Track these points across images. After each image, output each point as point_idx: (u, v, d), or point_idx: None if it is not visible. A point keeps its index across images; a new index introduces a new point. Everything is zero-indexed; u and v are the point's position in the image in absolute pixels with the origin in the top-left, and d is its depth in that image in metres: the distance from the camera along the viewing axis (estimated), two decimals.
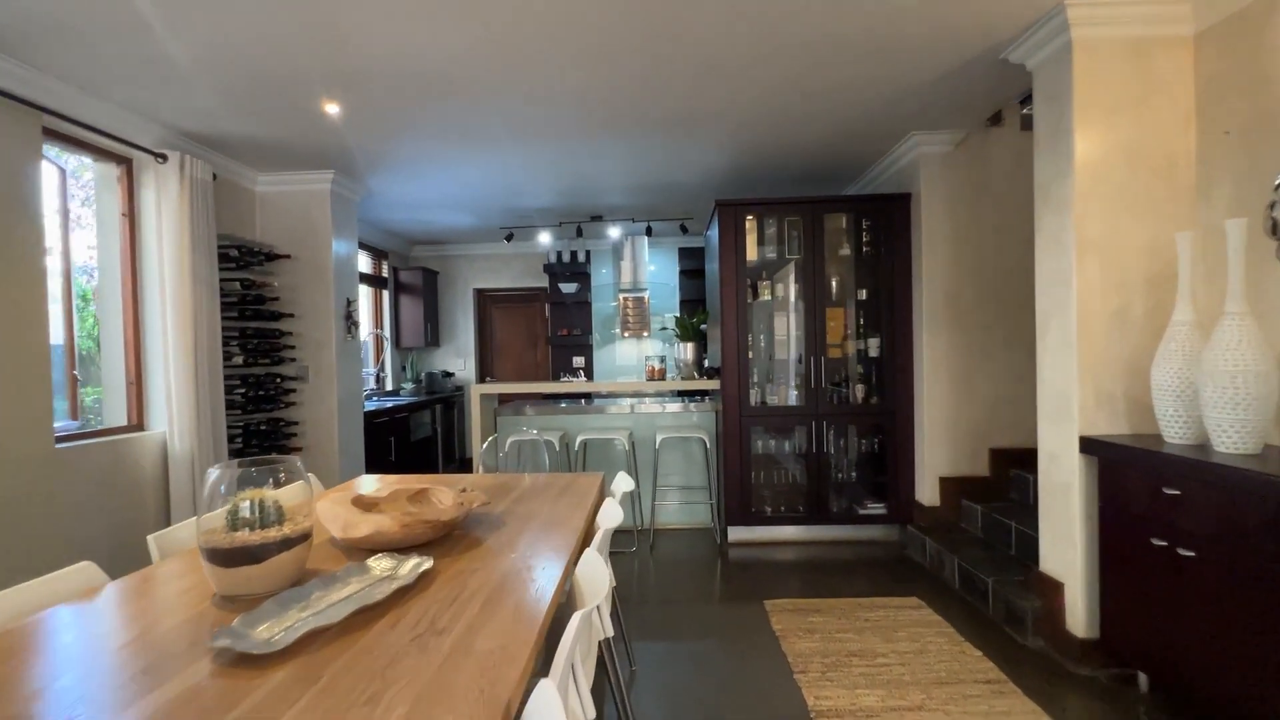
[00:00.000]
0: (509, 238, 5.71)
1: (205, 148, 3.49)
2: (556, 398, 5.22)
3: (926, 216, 3.70)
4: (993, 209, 3.68)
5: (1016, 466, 3.60)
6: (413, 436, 5.53)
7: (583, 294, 6.56)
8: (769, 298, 4.12)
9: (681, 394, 4.96)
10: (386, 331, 6.30)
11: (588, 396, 5.26)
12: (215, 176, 3.51)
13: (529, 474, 3.00)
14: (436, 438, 6.05)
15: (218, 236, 3.62)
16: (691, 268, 6.46)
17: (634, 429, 4.36)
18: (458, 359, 6.88)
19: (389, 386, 6.30)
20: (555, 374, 6.79)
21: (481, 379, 7.02)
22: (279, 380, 3.91)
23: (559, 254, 6.65)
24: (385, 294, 6.32)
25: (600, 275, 6.74)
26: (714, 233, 4.17)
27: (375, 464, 4.71)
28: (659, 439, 3.99)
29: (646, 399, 4.78)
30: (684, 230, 5.89)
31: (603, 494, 2.48)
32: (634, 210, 5.41)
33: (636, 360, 6.73)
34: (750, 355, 3.96)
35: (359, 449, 4.38)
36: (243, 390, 3.65)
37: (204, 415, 3.29)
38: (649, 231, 5.71)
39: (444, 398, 6.25)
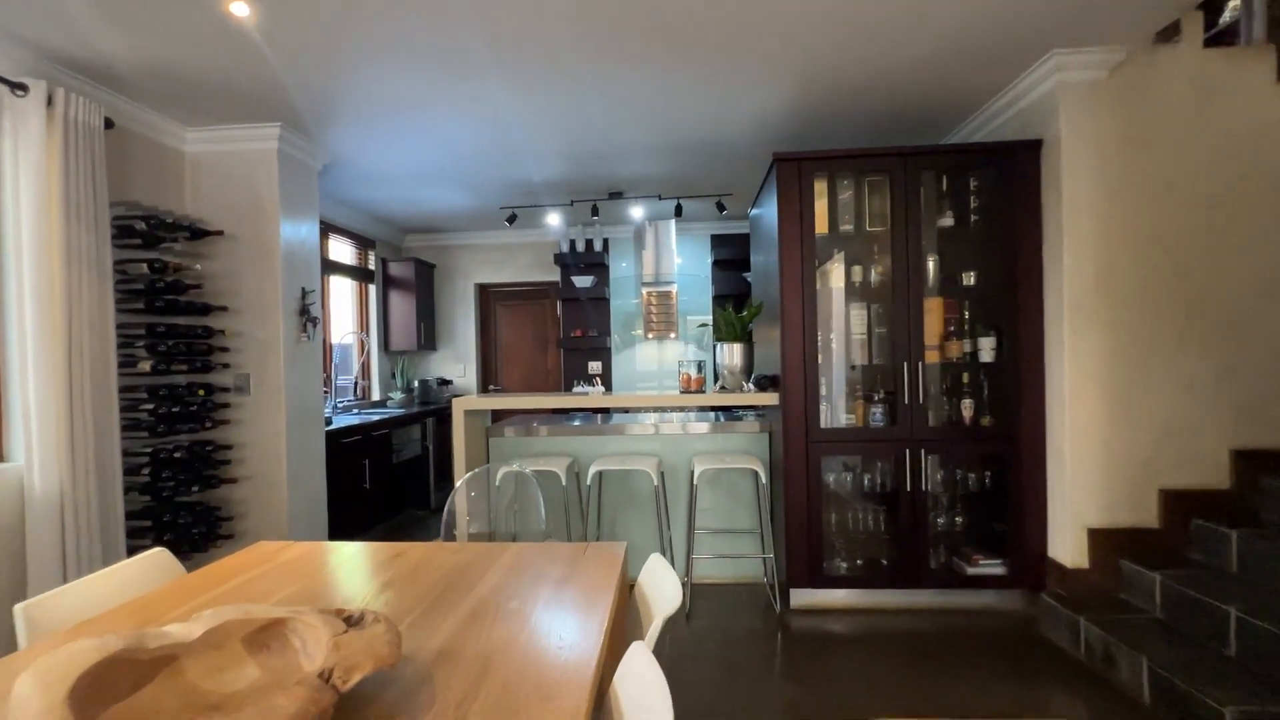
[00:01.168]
0: (511, 219, 4.80)
1: (94, 83, 2.63)
2: (566, 413, 4.28)
3: (1068, 170, 2.69)
4: (1164, 159, 2.66)
5: (1203, 515, 2.56)
6: (397, 457, 4.64)
7: (600, 289, 5.62)
8: (842, 284, 3.13)
9: (723, 410, 3.99)
10: (372, 333, 5.44)
11: (604, 412, 4.31)
12: (111, 124, 2.64)
13: (515, 542, 2.07)
14: (428, 457, 5.15)
15: (122, 205, 2.76)
16: (727, 257, 5.50)
17: (663, 456, 3.40)
18: (457, 364, 5.99)
19: (375, 396, 5.43)
20: (568, 382, 5.86)
21: (484, 388, 6.13)
22: (206, 392, 3.02)
23: (572, 243, 5.74)
24: (372, 289, 5.46)
25: (620, 268, 5.81)
26: (770, 203, 3.20)
27: (343, 496, 3.81)
28: (696, 470, 3.03)
29: (678, 415, 3.81)
30: (720, 210, 4.92)
31: (625, 583, 1.55)
32: (660, 183, 4.46)
33: (659, 366, 5.77)
34: (819, 360, 2.97)
35: (317, 478, 3.49)
36: (152, 406, 2.78)
37: (81, 442, 2.41)
38: (678, 212, 4.75)
39: (439, 409, 5.35)
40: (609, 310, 5.83)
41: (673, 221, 5.43)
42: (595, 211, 4.68)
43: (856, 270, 3.09)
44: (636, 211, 5.08)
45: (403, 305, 5.55)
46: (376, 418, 4.42)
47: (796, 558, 2.94)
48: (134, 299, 2.77)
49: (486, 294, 6.14)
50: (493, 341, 6.13)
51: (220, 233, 3.15)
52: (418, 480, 5.00)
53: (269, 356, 3.21)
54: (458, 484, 2.65)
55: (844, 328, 3.15)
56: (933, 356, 2.98)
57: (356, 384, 5.07)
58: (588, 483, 3.28)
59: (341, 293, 5.40)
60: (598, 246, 5.63)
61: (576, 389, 5.45)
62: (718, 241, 5.65)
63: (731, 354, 3.34)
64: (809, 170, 2.95)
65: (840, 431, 3.00)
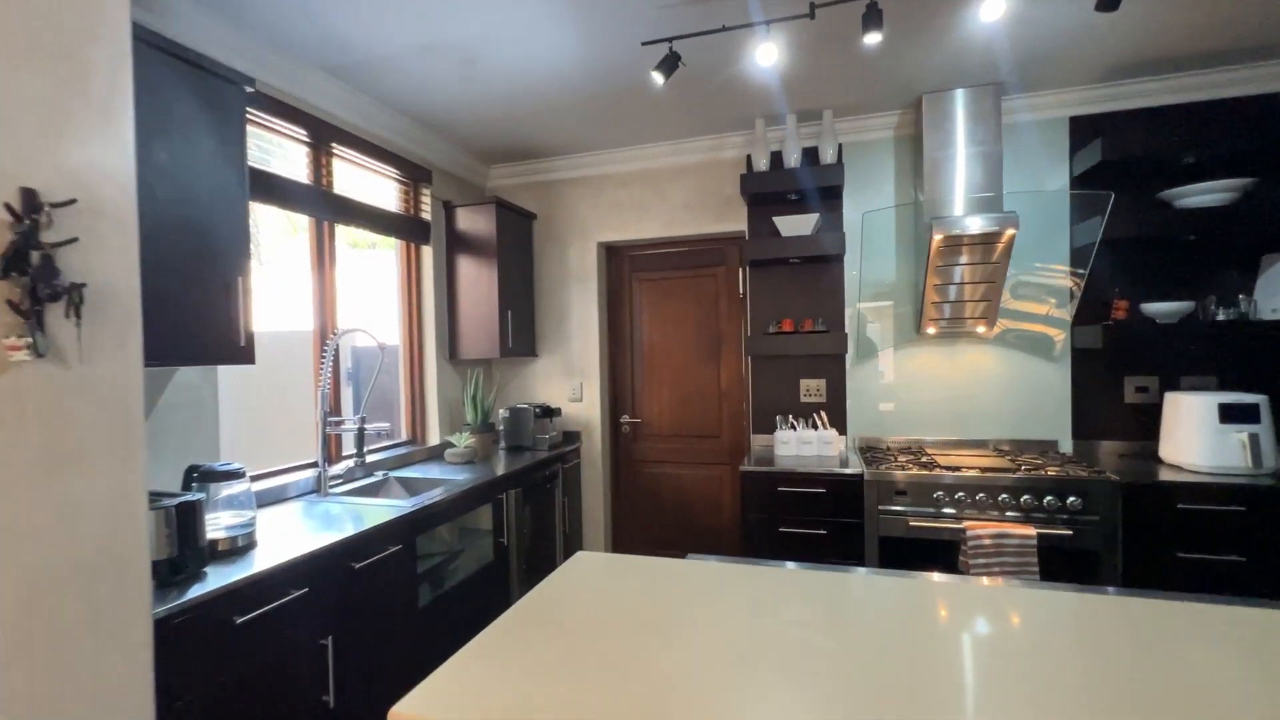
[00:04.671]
0: (670, 65, 2.16)
1: None
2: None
3: None
4: None
5: None
6: (441, 587, 2.28)
7: (827, 240, 2.88)
8: None
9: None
10: (428, 330, 3.16)
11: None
12: None
13: None
14: (508, 562, 2.75)
15: None
16: (1118, 162, 2.51)
17: None
18: (568, 380, 3.57)
19: (434, 439, 3.15)
20: (762, 418, 3.21)
21: (614, 422, 3.66)
22: None
23: (775, 156, 3.05)
24: (427, 255, 3.17)
25: (868, 192, 3.03)
26: None
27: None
28: None
29: None
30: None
31: None
32: None
33: (951, 393, 2.93)
34: None
35: None
36: None
37: None
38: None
39: (537, 468, 2.95)
40: (843, 281, 3.08)
41: (999, 87, 2.55)
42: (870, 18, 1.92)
43: None
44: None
45: (479, 281, 3.21)
46: (406, 509, 2.07)
47: None
48: None
49: (619, 260, 3.64)
50: (628, 342, 3.64)
51: None
52: (484, 594, 2.62)
53: None
54: None
55: None
56: None
57: (359, 432, 2.75)
58: None
59: (382, 261, 3.15)
60: (829, 157, 2.88)
61: (780, 434, 2.80)
62: (1078, 129, 2.67)
63: None
64: None
65: None
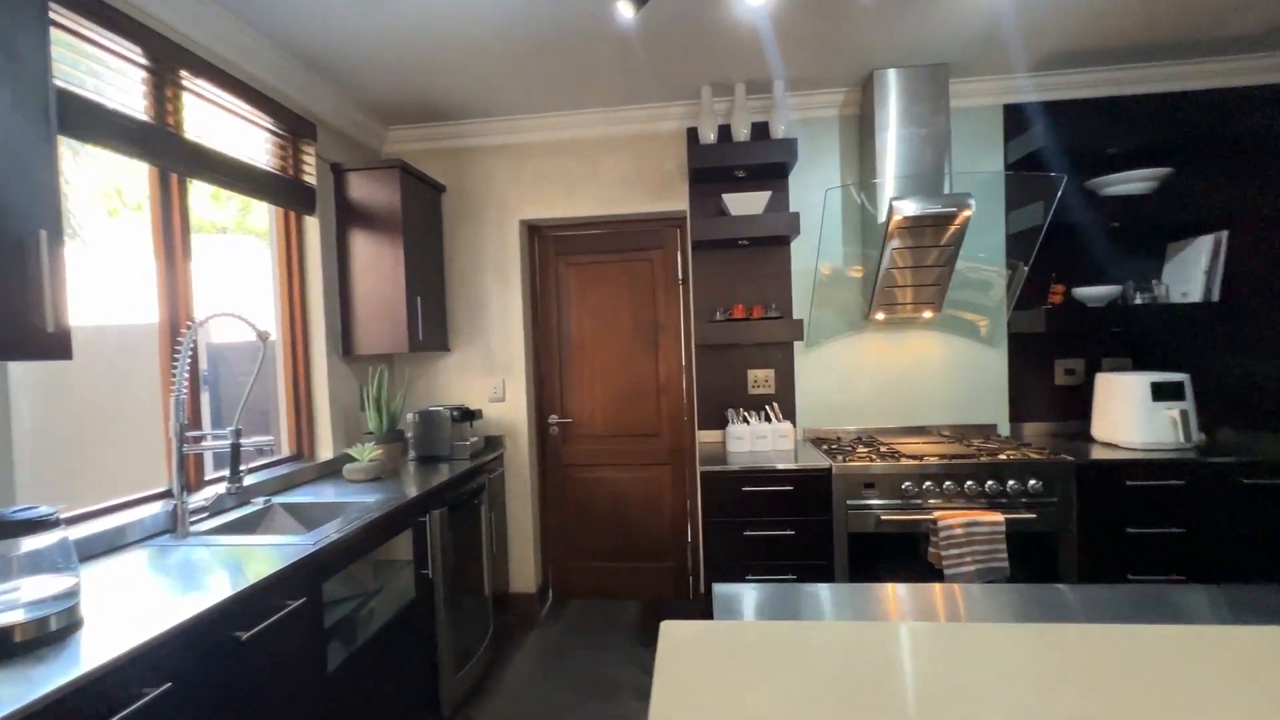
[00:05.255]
0: None
1: None
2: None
3: None
4: None
5: None
6: (355, 641, 1.79)
7: (784, 219, 2.70)
8: None
9: None
10: (317, 322, 2.58)
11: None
12: None
13: None
14: (431, 602, 2.28)
15: None
16: (1051, 150, 2.56)
17: None
18: (488, 378, 3.12)
19: (325, 454, 2.59)
20: (709, 413, 2.98)
21: (541, 423, 3.26)
22: None
23: (724, 130, 2.82)
24: (311, 227, 2.59)
25: (813, 172, 2.90)
26: None
27: None
28: None
29: None
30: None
31: None
32: None
33: (897, 386, 2.88)
34: None
35: None
36: None
37: None
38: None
39: (461, 480, 2.49)
40: (789, 266, 2.93)
41: (947, 67, 2.51)
42: None
43: None
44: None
45: (380, 262, 2.69)
46: (309, 546, 1.59)
47: None
48: None
49: (543, 242, 3.25)
50: (555, 333, 3.26)
51: None
52: (406, 640, 2.14)
53: None
54: None
55: None
56: None
57: (233, 448, 2.15)
58: None
59: (234, 249, 2.54)
60: (783, 129, 2.69)
61: (733, 429, 2.59)
62: (1011, 116, 2.72)
63: None
64: None
65: None
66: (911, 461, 2.34)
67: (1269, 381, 2.35)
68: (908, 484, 2.32)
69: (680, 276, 3.13)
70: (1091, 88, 2.70)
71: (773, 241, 2.86)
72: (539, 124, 2.97)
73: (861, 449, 2.56)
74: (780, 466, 2.39)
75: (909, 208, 2.39)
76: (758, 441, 2.69)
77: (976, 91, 2.76)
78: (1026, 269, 2.66)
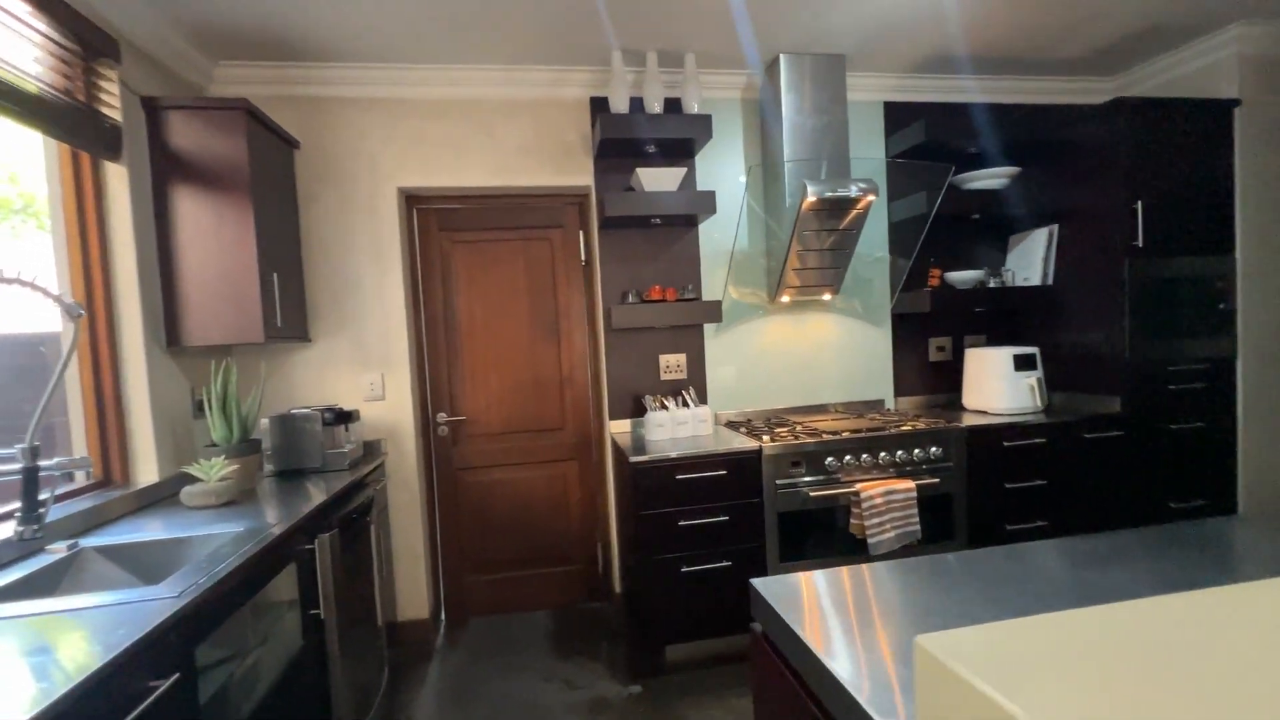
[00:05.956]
0: None
1: None
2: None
3: None
4: None
5: None
6: (240, 712, 1.35)
7: (700, 198, 2.62)
8: None
9: None
10: (131, 305, 1.95)
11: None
12: None
13: None
14: (329, 651, 1.84)
15: None
16: (926, 146, 2.82)
17: None
18: (363, 373, 2.64)
19: (149, 478, 1.97)
20: (622, 402, 2.83)
21: (431, 419, 2.84)
22: None
23: (637, 104, 2.66)
24: (116, 177, 1.95)
25: (718, 153, 2.87)
26: None
27: None
28: None
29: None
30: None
31: None
32: None
33: (799, 366, 2.95)
34: None
35: None
36: None
37: None
38: None
39: (347, 495, 2.04)
40: (698, 247, 2.88)
41: (844, 58, 2.63)
42: None
43: None
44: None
45: (221, 228, 2.11)
46: (172, 602, 1.17)
47: None
48: None
49: (425, 216, 2.83)
50: (441, 320, 2.86)
51: None
52: (294, 704, 1.69)
53: None
54: None
55: None
56: None
57: (28, 461, 1.55)
58: None
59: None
60: (696, 105, 2.61)
61: (653, 416, 2.48)
62: (894, 114, 2.95)
63: None
64: None
65: None
66: (832, 437, 2.41)
67: (1090, 350, 2.80)
68: (830, 459, 2.38)
69: (583, 258, 2.92)
70: (959, 93, 3.00)
71: (683, 222, 2.78)
72: (424, 76, 2.57)
73: (781, 429, 2.58)
74: (717, 450, 2.31)
75: (823, 190, 2.45)
76: (678, 428, 2.59)
77: (862, 87, 2.93)
78: (914, 254, 2.88)
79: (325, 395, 2.61)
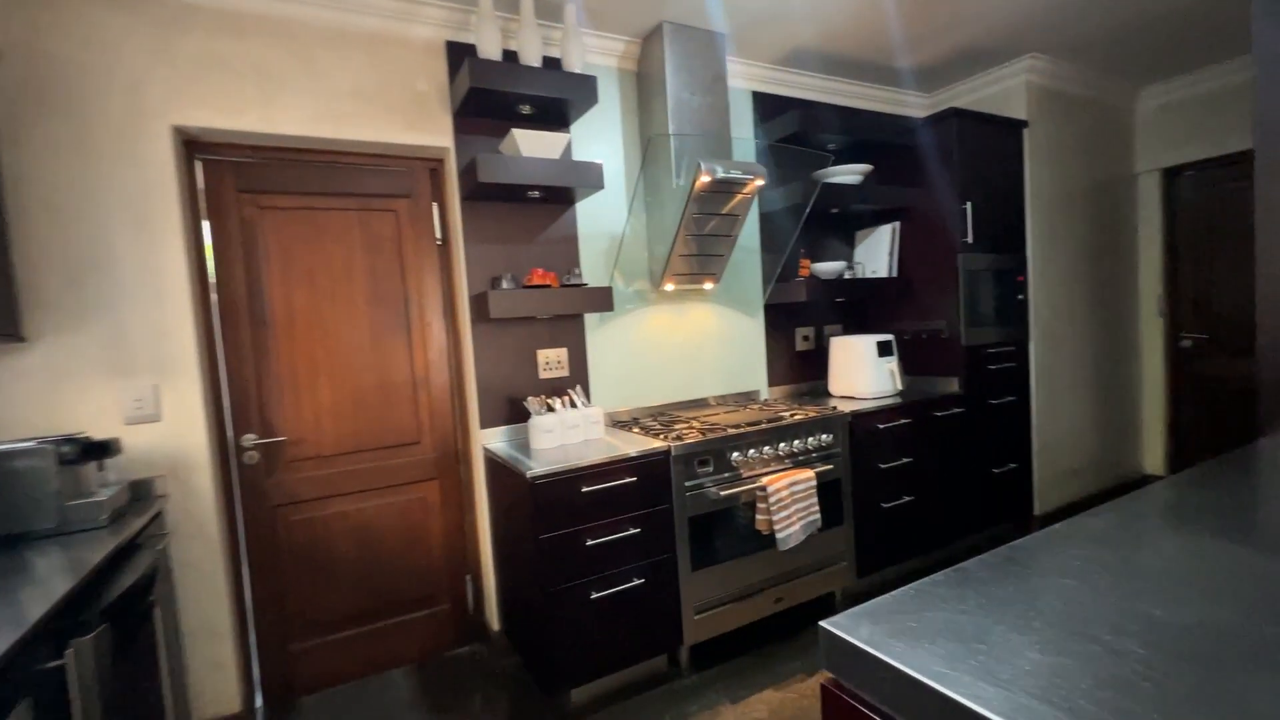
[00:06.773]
0: None
1: None
2: None
3: None
4: None
5: None
6: None
7: (589, 170, 2.31)
8: None
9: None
10: None
11: None
12: None
13: None
14: None
15: None
16: (796, 138, 2.87)
17: None
18: (122, 383, 1.86)
19: None
20: (486, 407, 2.40)
21: (234, 439, 2.11)
22: None
23: (510, 56, 2.24)
24: None
25: (594, 125, 2.59)
26: None
27: None
28: None
29: None
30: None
31: None
32: None
33: (679, 359, 2.76)
34: None
35: None
36: None
37: None
38: None
39: (100, 585, 1.35)
40: (576, 227, 2.57)
41: (724, 37, 2.55)
42: None
43: None
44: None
45: None
46: None
47: None
48: None
49: (217, 169, 2.09)
50: (245, 310, 2.15)
51: None
52: None
53: None
54: None
55: None
56: None
57: None
58: None
59: None
60: (575, 67, 2.28)
61: (539, 420, 2.16)
62: (764, 105, 2.97)
63: None
64: None
65: None
66: (735, 431, 2.28)
67: (932, 336, 3.08)
68: (736, 454, 2.25)
69: (439, 235, 2.43)
70: (820, 92, 3.10)
71: (561, 198, 2.45)
72: None
73: (678, 426, 2.39)
74: (629, 453, 2.03)
75: (716, 170, 2.30)
76: (569, 432, 2.26)
77: (735, 73, 2.87)
78: (790, 245, 2.90)
79: (59, 420, 1.78)
